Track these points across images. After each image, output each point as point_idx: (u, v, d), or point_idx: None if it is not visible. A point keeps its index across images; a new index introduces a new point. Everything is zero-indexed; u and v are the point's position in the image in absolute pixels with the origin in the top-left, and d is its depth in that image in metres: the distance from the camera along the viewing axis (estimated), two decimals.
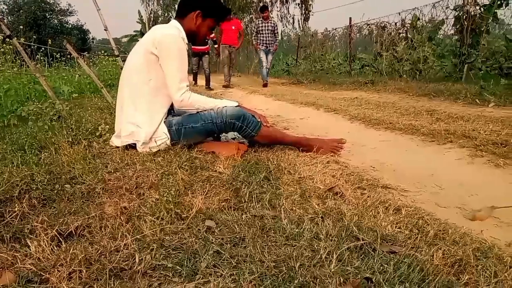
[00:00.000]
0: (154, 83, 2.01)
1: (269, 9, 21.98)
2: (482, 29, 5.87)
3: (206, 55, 9.31)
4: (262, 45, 9.18)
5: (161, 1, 32.75)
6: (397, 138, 2.65)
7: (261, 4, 25.53)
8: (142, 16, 30.99)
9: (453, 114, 3.35)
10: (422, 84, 5.92)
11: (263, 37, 9.13)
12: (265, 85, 8.95)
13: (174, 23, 2.15)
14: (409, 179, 1.78)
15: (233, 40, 9.07)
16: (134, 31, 32.33)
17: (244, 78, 15.07)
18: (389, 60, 8.25)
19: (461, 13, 6.12)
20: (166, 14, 33.16)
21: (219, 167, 1.77)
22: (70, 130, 2.33)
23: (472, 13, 6.00)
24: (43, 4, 27.60)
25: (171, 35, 2.00)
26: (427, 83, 5.97)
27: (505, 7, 5.78)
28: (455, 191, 1.61)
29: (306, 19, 24.54)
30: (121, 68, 7.57)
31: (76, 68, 9.15)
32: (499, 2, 5.63)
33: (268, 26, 9.07)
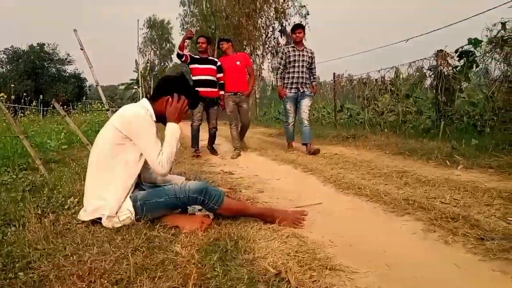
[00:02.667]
0: (120, 160, 2.11)
1: (261, 61, 22.59)
2: (456, 89, 6.18)
3: (215, 107, 6.03)
4: (292, 89, 5.92)
5: (157, 52, 34.13)
6: (363, 206, 2.73)
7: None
8: (138, 65, 32.03)
9: (422, 177, 3.46)
10: (401, 140, 6.11)
11: (294, 73, 5.88)
12: (290, 146, 6.22)
13: (144, 102, 2.29)
14: (362, 256, 1.84)
15: (241, 82, 6.01)
16: (131, 80, 33.31)
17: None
18: (372, 113, 8.56)
19: (435, 73, 6.45)
20: (162, 64, 34.45)
21: (177, 246, 1.83)
22: (42, 201, 2.40)
23: (446, 73, 6.33)
24: (42, 54, 28.54)
25: (139, 115, 2.15)
26: (406, 139, 6.17)
27: (476, 68, 6.12)
28: (402, 272, 1.67)
29: None
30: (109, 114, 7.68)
31: (70, 117, 9.38)
32: (469, 64, 5.97)
33: (303, 56, 5.89)
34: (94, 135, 9.60)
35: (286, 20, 20.72)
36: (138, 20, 19.35)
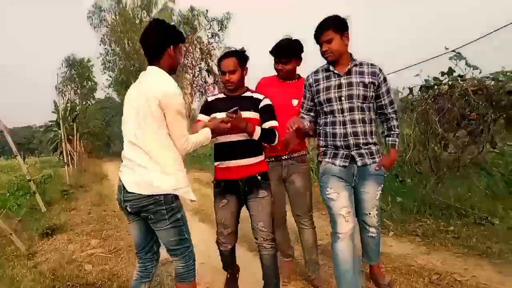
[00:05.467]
0: (166, 134, 2.11)
1: (190, 100, 22.26)
2: None
3: (265, 194, 2.57)
4: (336, 158, 2.53)
5: (78, 91, 32.43)
6: None
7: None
8: (58, 106, 30.06)
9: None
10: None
11: (335, 125, 2.51)
12: None
13: (158, 71, 2.18)
14: None
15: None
16: (50, 121, 31.01)
17: None
18: None
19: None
20: (84, 103, 32.72)
21: None
22: None
23: None
24: None
25: (179, 94, 2.11)
26: None
27: None
28: None
29: None
30: (26, 173, 7.02)
31: None
32: None
33: (349, 86, 2.46)
34: (12, 199, 8.63)
35: (212, 61, 21.19)
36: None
